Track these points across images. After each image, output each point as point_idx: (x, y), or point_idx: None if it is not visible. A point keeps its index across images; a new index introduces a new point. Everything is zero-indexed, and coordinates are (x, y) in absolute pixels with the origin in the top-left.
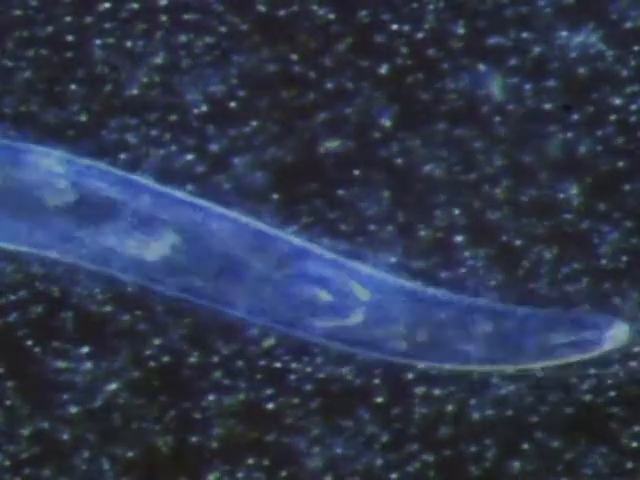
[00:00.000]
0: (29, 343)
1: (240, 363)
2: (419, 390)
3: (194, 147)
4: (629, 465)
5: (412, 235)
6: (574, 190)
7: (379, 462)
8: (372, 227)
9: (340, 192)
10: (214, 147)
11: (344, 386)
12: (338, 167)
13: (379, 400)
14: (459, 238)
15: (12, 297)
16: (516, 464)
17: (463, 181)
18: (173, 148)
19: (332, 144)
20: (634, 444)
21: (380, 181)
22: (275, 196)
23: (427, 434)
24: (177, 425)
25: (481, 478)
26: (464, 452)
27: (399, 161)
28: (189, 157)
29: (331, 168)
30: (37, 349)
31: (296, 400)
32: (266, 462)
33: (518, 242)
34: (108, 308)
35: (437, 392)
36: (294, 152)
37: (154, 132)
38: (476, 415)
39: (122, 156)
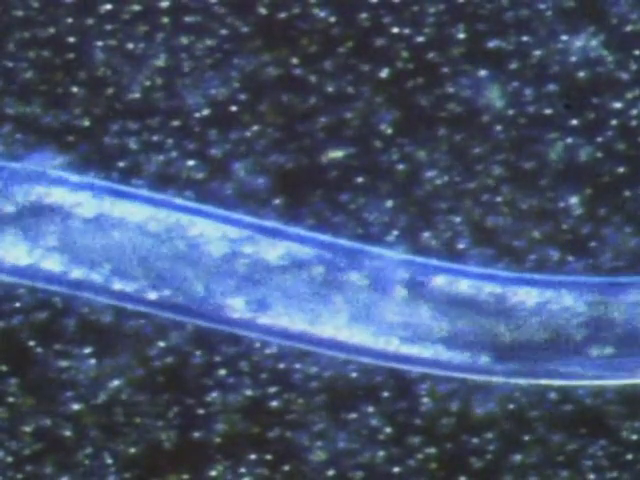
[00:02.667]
0: (32, 343)
1: (243, 362)
2: (422, 386)
3: (195, 151)
4: (629, 457)
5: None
6: (574, 196)
7: (381, 456)
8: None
9: (342, 196)
10: (215, 151)
11: (347, 383)
12: (339, 171)
13: (382, 395)
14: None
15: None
16: (517, 457)
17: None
18: (174, 152)
19: (335, 154)
20: (634, 437)
21: (381, 185)
22: (276, 201)
23: (429, 428)
24: (180, 421)
25: (482, 471)
26: (466, 445)
27: (399, 165)
28: (190, 162)
29: (332, 172)
30: (40, 349)
31: (299, 396)
32: (268, 457)
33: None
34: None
35: (440, 388)
36: (294, 156)
37: (155, 136)
38: (478, 409)
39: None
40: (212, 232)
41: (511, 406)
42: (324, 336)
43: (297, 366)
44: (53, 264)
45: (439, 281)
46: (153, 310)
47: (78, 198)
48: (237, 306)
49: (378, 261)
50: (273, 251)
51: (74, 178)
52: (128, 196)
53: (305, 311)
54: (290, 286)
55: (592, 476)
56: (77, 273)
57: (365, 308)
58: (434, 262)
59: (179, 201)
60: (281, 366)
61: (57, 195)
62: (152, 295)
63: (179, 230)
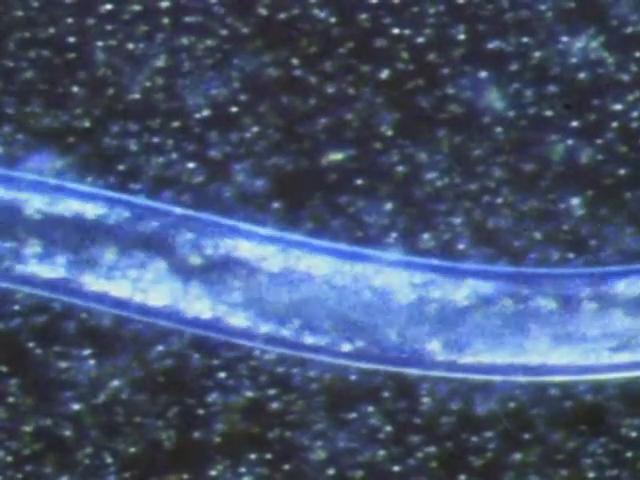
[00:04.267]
0: (32, 344)
1: (243, 365)
2: (422, 386)
3: (194, 153)
4: (629, 455)
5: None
6: (575, 198)
7: (381, 455)
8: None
9: (342, 198)
10: (214, 153)
11: (347, 383)
12: (339, 173)
13: (382, 395)
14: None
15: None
16: (517, 455)
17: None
18: (174, 154)
19: (336, 156)
20: (634, 434)
21: (381, 187)
22: (276, 204)
23: (429, 427)
24: (180, 421)
25: (482, 470)
26: (466, 444)
27: (400, 167)
28: (189, 164)
29: (332, 174)
30: (40, 350)
31: (299, 396)
32: (268, 456)
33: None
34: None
35: (440, 388)
36: (294, 158)
37: (154, 137)
38: (478, 408)
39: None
40: (396, 279)
41: (511, 404)
42: (532, 365)
43: (297, 369)
44: (238, 319)
45: (620, 286)
46: (349, 362)
47: (264, 252)
48: (435, 349)
49: (558, 282)
50: (458, 292)
51: (263, 231)
52: (313, 249)
53: (504, 344)
54: (483, 323)
55: (592, 474)
56: (265, 328)
57: (563, 329)
58: (610, 270)
59: (361, 251)
60: (281, 369)
61: (244, 249)
62: (346, 347)
63: (365, 280)
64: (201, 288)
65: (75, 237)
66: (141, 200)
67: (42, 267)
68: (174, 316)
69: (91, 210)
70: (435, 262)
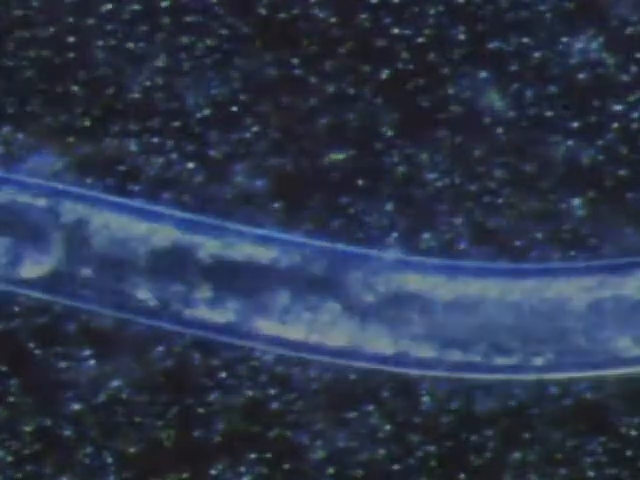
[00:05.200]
0: (32, 345)
1: (242, 366)
2: (421, 385)
3: (194, 153)
4: (628, 453)
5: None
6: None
7: (381, 454)
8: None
9: (343, 198)
10: (214, 153)
11: (347, 382)
12: (339, 173)
13: (382, 394)
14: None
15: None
16: (516, 454)
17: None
18: (173, 154)
19: (337, 156)
20: (633, 433)
21: (381, 187)
22: (276, 204)
23: (429, 426)
24: (180, 420)
25: (482, 469)
26: (465, 443)
27: (400, 167)
28: (189, 164)
29: (332, 173)
30: (40, 350)
31: (299, 395)
32: (268, 456)
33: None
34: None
35: (439, 387)
36: (294, 158)
37: (155, 137)
38: (477, 407)
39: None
40: (565, 287)
41: (510, 403)
42: None
43: (297, 369)
44: (423, 351)
45: None
46: (544, 375)
47: (433, 282)
48: (627, 346)
49: None
50: (628, 286)
51: (427, 262)
52: (477, 274)
53: None
54: None
55: (592, 473)
56: (453, 356)
57: None
58: None
59: (520, 267)
60: (281, 369)
61: (414, 281)
62: (538, 361)
63: (536, 294)
64: (379, 325)
65: (247, 281)
66: (309, 241)
67: (212, 312)
68: (355, 355)
69: (263, 254)
70: (597, 263)
